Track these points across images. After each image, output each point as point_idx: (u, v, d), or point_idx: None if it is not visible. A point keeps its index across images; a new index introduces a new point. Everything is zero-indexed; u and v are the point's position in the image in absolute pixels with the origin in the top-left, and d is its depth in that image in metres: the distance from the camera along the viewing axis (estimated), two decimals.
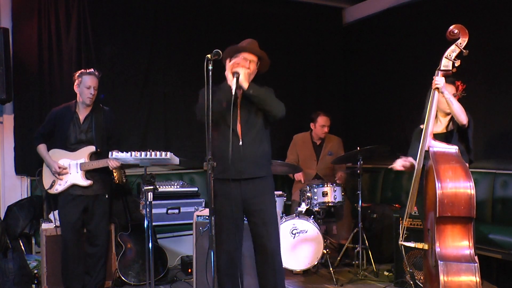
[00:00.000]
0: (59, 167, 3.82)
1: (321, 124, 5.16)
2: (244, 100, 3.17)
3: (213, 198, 3.20)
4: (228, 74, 3.07)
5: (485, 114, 4.59)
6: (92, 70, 3.92)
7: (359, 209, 4.51)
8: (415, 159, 3.12)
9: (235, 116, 3.12)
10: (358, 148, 4.49)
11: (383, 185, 5.73)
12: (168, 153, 3.35)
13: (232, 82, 3.03)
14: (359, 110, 6.35)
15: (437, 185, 2.73)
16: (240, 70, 3.05)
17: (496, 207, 4.43)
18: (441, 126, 3.36)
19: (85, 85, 3.83)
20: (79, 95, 3.89)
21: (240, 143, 3.12)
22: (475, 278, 2.67)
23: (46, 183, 3.91)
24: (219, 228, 3.19)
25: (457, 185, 2.74)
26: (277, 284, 3.23)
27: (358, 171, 4.55)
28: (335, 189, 4.60)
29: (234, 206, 3.15)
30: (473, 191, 2.73)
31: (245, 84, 3.06)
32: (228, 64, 3.12)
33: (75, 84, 3.88)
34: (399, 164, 3.40)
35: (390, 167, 3.45)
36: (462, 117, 3.09)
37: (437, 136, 3.07)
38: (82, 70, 3.93)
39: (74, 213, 3.85)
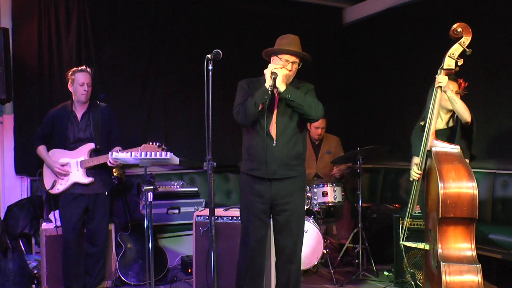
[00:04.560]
0: (61, 165, 3.83)
1: (315, 126, 5.15)
2: (280, 101, 3.14)
3: (240, 193, 3.29)
4: (267, 74, 3.04)
5: (485, 114, 4.58)
6: (84, 67, 3.94)
7: (359, 209, 4.51)
8: (418, 156, 3.11)
9: (270, 117, 3.10)
10: (358, 148, 4.49)
11: (383, 185, 5.73)
12: (168, 153, 3.35)
13: (269, 83, 3.00)
14: (359, 110, 6.35)
15: (440, 185, 2.73)
16: (279, 71, 3.01)
17: (496, 207, 4.43)
18: (442, 123, 3.35)
19: (78, 82, 3.84)
20: (74, 93, 3.91)
21: (274, 144, 3.11)
22: (477, 279, 2.67)
23: (47, 183, 3.91)
24: (245, 224, 3.23)
25: (460, 186, 2.73)
26: (294, 283, 3.24)
27: (358, 171, 4.54)
28: (335, 189, 4.59)
29: (263, 204, 3.16)
30: (476, 192, 2.72)
31: (282, 87, 3.03)
32: (270, 64, 3.11)
33: (69, 82, 3.90)
34: (418, 175, 3.23)
35: (412, 179, 3.27)
36: (466, 115, 3.07)
37: (437, 133, 3.06)
38: (74, 68, 3.95)
39: (75, 212, 3.85)
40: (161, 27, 5.36)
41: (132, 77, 5.22)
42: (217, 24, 5.63)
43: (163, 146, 3.52)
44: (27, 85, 4.72)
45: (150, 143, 3.61)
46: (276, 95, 3.11)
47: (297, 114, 3.15)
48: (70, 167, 3.86)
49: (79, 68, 3.92)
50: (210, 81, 2.91)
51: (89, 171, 3.87)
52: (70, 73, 3.92)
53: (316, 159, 5.23)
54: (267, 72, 3.05)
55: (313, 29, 6.24)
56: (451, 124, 3.35)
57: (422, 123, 3.30)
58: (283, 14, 6.01)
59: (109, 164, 3.81)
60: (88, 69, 3.93)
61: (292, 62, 3.13)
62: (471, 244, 2.76)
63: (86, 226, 3.96)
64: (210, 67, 2.92)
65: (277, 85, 3.01)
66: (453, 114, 3.33)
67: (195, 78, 5.25)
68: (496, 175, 4.49)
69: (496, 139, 4.59)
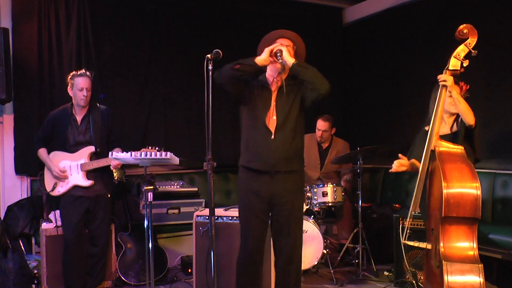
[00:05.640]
0: (60, 170, 3.82)
1: (317, 128, 5.13)
2: (279, 94, 3.11)
3: (239, 192, 3.26)
4: (266, 55, 2.99)
5: (485, 114, 4.57)
6: (83, 71, 3.88)
7: (359, 209, 4.51)
8: (419, 160, 3.11)
9: (268, 110, 3.08)
10: (358, 148, 4.49)
11: (383, 185, 5.73)
12: (168, 153, 3.34)
13: (266, 56, 2.97)
14: (359, 110, 6.35)
15: (443, 184, 2.73)
16: (282, 47, 2.98)
17: (496, 207, 4.43)
18: (446, 127, 3.33)
19: (78, 87, 3.79)
20: (73, 98, 3.87)
21: (272, 137, 3.07)
22: (479, 279, 2.67)
23: (48, 185, 3.92)
24: (244, 224, 3.21)
25: (463, 186, 2.73)
26: (294, 283, 3.23)
27: (358, 171, 4.54)
28: (335, 189, 4.59)
29: (262, 202, 3.13)
30: (479, 192, 2.72)
31: (290, 60, 2.99)
32: (266, 49, 3.03)
33: (69, 86, 3.86)
34: (398, 165, 3.36)
35: (391, 171, 3.40)
36: (469, 117, 3.05)
37: (442, 138, 3.05)
38: (74, 72, 3.88)
39: (76, 213, 3.84)
40: (161, 27, 5.36)
41: (132, 77, 5.22)
42: (217, 24, 5.63)
43: (162, 152, 3.50)
44: (27, 85, 4.72)
45: (150, 148, 3.58)
46: (273, 91, 3.09)
47: (296, 108, 3.11)
48: (70, 171, 3.85)
49: (79, 72, 3.85)
50: (210, 81, 2.91)
51: (89, 173, 3.85)
52: (69, 77, 3.86)
53: (321, 164, 5.18)
54: (265, 55, 3.00)
55: (313, 29, 6.24)
56: (454, 128, 3.32)
57: (426, 128, 3.29)
58: (283, 14, 6.01)
59: (112, 168, 3.81)
60: (88, 73, 3.86)
61: (287, 46, 3.08)
62: (473, 243, 2.76)
63: (87, 227, 3.95)
64: (210, 67, 2.92)
65: (285, 58, 2.97)
66: (456, 117, 3.31)
67: (195, 78, 5.25)
68: (496, 175, 4.49)
69: (496, 139, 4.59)
